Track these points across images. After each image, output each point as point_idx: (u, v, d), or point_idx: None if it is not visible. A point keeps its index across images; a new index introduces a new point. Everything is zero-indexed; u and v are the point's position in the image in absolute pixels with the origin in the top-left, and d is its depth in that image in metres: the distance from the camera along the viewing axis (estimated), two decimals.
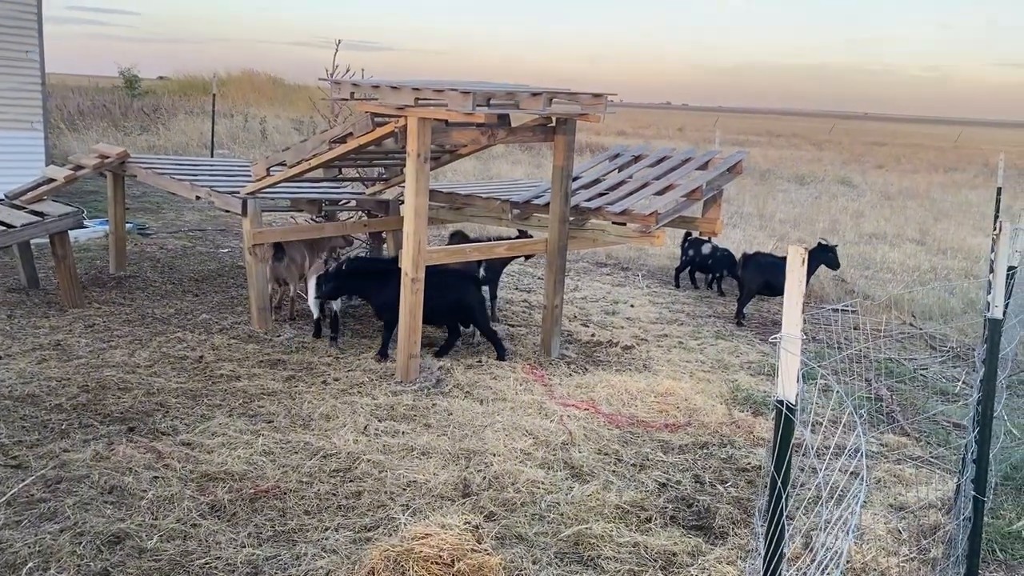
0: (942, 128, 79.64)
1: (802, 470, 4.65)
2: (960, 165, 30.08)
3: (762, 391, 6.58)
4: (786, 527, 2.00)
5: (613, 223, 7.04)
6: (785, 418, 2.04)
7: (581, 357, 7.23)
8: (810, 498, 4.35)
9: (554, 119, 6.89)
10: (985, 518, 4.51)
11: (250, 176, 7.66)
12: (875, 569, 4.03)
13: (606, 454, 5.27)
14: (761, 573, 2.07)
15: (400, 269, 6.25)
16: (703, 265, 10.17)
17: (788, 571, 2.81)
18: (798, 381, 2.05)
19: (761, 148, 33.30)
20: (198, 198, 7.78)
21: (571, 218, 7.12)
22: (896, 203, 19.06)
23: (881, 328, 8.47)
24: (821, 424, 5.66)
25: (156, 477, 4.58)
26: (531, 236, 7.91)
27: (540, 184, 8.67)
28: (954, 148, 41.82)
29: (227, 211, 7.73)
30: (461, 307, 6.93)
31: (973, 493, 3.34)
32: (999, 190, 13.29)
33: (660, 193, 7.08)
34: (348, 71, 10.52)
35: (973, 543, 3.37)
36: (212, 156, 17.56)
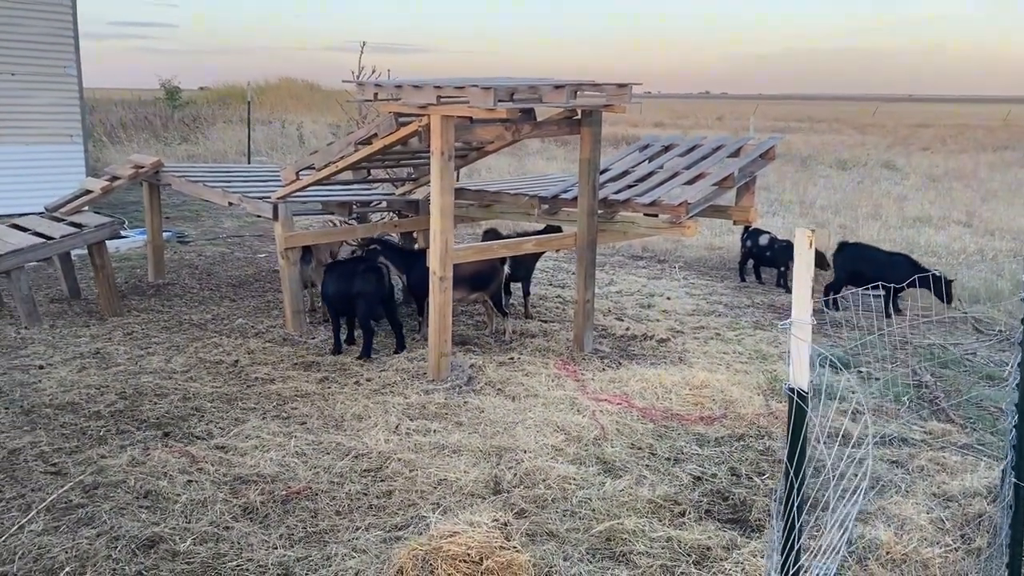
0: (990, 107, 77.45)
1: (841, 459, 4.53)
2: (1011, 143, 29.23)
3: None
4: (796, 516, 1.94)
5: (643, 215, 6.95)
6: (797, 406, 1.97)
7: (615, 351, 7.16)
8: (854, 487, 4.24)
9: (579, 111, 6.83)
10: None
11: (281, 181, 7.72)
12: (916, 560, 3.91)
13: (639, 448, 5.21)
14: (776, 561, 2.00)
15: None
16: (761, 257, 9.93)
17: (822, 562, 2.73)
18: (812, 367, 1.98)
19: (802, 134, 32.75)
20: (230, 204, 7.88)
21: (600, 211, 7.05)
22: (942, 185, 18.58)
23: (921, 313, 8.26)
24: (861, 413, 5.52)
25: (190, 481, 4.63)
26: (561, 230, 7.86)
27: (569, 178, 8.61)
28: (1004, 126, 40.59)
29: (259, 216, 7.81)
30: (350, 297, 6.86)
31: (1014, 480, 3.22)
32: None
33: (690, 182, 6.96)
34: (374, 72, 10.57)
35: (1015, 531, 3.25)
36: (249, 163, 17.79)
